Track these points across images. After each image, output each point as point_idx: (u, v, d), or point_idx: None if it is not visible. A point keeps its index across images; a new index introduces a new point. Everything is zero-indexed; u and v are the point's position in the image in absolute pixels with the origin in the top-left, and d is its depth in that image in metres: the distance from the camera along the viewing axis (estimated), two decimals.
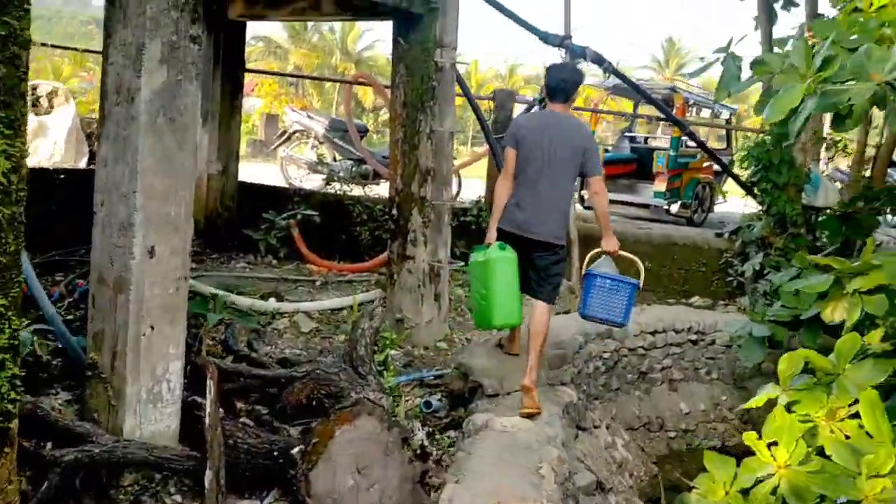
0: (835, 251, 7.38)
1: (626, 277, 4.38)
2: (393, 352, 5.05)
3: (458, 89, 5.81)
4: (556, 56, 6.71)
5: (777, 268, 6.88)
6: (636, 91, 8.15)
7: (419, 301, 5.38)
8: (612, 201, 10.74)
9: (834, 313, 4.25)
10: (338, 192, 7.54)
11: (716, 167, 11.45)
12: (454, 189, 9.02)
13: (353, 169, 8.93)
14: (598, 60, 6.85)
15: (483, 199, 7.42)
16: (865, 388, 3.65)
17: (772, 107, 3.51)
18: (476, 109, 6.35)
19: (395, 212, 5.43)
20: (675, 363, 5.96)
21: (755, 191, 7.45)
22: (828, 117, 8.29)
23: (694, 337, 6.12)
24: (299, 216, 7.00)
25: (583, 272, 4.45)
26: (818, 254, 7.38)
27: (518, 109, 7.69)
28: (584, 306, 4.38)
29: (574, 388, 4.46)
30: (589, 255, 4.52)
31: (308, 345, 5.17)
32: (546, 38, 6.63)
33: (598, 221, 4.38)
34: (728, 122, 12.12)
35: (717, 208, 11.02)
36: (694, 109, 10.98)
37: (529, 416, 3.89)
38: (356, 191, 7.93)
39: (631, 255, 4.46)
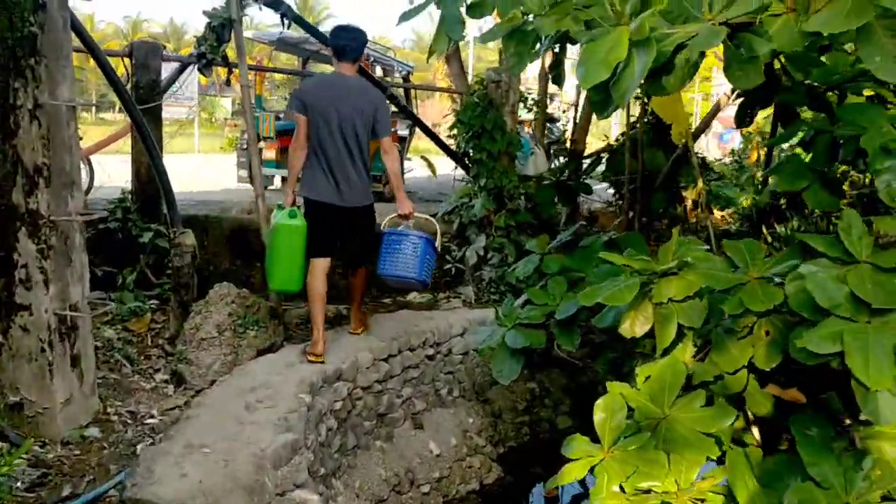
0: (543, 223, 7.04)
1: (417, 232, 4.71)
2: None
3: (74, 40, 4.00)
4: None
5: (500, 249, 6.26)
6: (319, 41, 6.84)
7: (45, 373, 3.59)
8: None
9: (634, 327, 3.55)
10: None
11: (401, 132, 10.77)
12: (84, 183, 6.94)
13: None
14: (274, 4, 5.44)
15: (130, 194, 5.61)
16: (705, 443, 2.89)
17: (587, 63, 2.55)
18: (105, 67, 4.53)
19: None
20: (416, 390, 4.98)
21: (466, 161, 6.75)
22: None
23: (431, 351, 5.20)
24: None
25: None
26: (539, 230, 6.99)
27: (168, 69, 5.95)
28: (380, 265, 4.69)
29: (311, 486, 3.17)
30: (387, 220, 4.91)
31: None
32: None
33: (390, 183, 4.77)
34: (406, 80, 11.48)
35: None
36: (377, 68, 10.08)
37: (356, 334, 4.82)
38: None
39: (426, 216, 5.03)
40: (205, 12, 5.21)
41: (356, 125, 4.41)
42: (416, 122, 6.93)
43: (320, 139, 4.40)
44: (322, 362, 4.27)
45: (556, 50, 3.74)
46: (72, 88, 3.67)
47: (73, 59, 3.68)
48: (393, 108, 11.34)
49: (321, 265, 4.55)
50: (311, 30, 6.00)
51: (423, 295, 6.54)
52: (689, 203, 6.35)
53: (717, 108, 6.55)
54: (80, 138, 7.17)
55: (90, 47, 4.39)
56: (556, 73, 3.79)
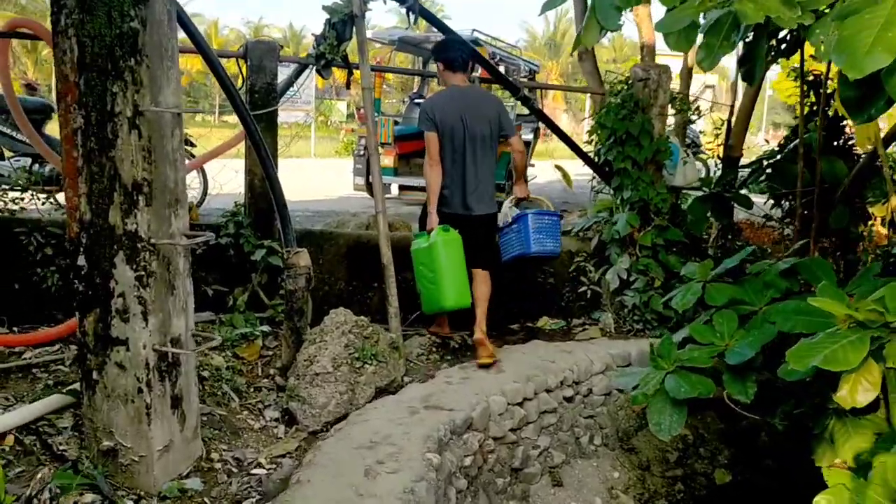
0: (693, 242, 6.24)
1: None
2: None
3: (182, 37, 3.61)
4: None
5: (645, 272, 5.53)
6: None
7: (143, 416, 3.19)
8: (408, 188, 9.10)
9: (855, 394, 2.80)
10: (1, 210, 4.94)
11: (525, 137, 10.17)
12: (198, 194, 6.72)
13: (32, 170, 6.28)
14: None
15: (243, 207, 5.25)
16: None
17: (852, 44, 1.88)
18: (216, 68, 4.14)
19: (82, 261, 3.16)
20: (553, 439, 4.35)
21: (606, 171, 6.05)
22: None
23: (570, 392, 4.56)
24: None
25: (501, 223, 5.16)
26: (688, 250, 6.20)
27: (284, 73, 5.57)
28: (527, 245, 5.05)
29: None
30: (505, 206, 5.23)
31: None
32: None
33: (516, 174, 5.26)
34: (531, 80, 10.84)
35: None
36: (500, 67, 9.51)
37: (486, 366, 4.52)
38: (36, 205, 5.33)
39: (540, 197, 5.49)
40: (325, 7, 4.78)
41: (485, 134, 4.75)
42: (551, 126, 6.28)
43: (455, 155, 4.71)
44: (495, 361, 4.57)
45: (749, 39, 3.05)
46: (178, 93, 3.27)
47: (178, 57, 3.27)
48: (522, 111, 10.81)
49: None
50: (442, 26, 5.46)
51: (555, 321, 5.90)
52: (877, 222, 5.41)
53: None
54: (194, 145, 7.01)
55: (200, 46, 4.00)
56: (748, 67, 3.08)
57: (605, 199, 6.02)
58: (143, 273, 3.11)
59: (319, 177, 12.46)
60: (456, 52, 4.78)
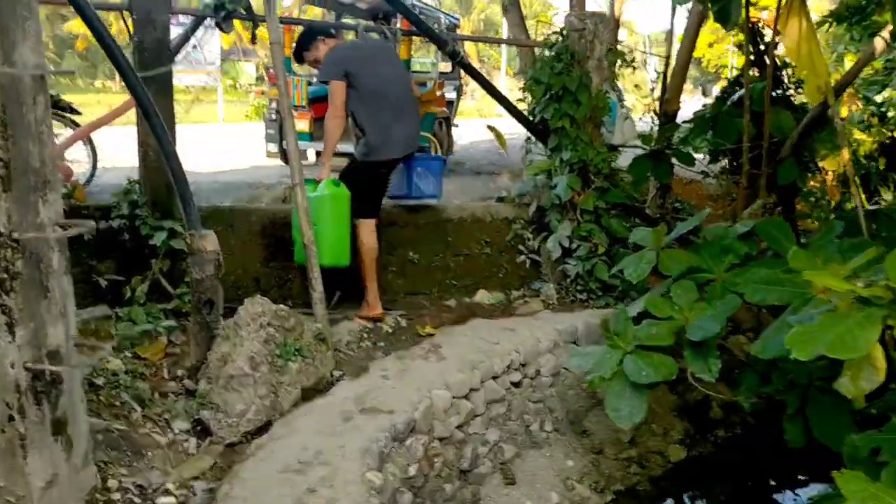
0: (632, 204, 5.94)
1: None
2: None
3: None
4: None
5: (587, 238, 5.20)
6: None
7: (15, 448, 2.63)
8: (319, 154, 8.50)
9: (858, 382, 2.47)
10: None
11: (448, 96, 9.69)
12: (88, 166, 5.99)
13: None
14: None
15: (138, 182, 4.62)
16: None
17: None
18: (91, 22, 3.45)
19: None
20: (503, 431, 3.99)
21: (541, 130, 5.66)
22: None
23: (517, 376, 4.20)
24: None
25: None
26: (634, 214, 5.89)
27: (177, 30, 4.92)
28: (411, 189, 5.20)
29: None
30: None
31: None
32: None
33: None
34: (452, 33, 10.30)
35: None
36: None
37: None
38: None
39: (426, 134, 5.83)
40: None
41: (402, 80, 4.94)
42: (483, 83, 5.83)
43: (380, 99, 4.66)
44: (381, 318, 4.69)
45: None
46: (39, 51, 2.66)
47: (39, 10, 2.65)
48: (445, 69, 10.28)
49: (374, 225, 4.79)
50: None
51: (493, 294, 5.51)
52: (829, 176, 5.19)
53: (870, 57, 5.34)
54: (78, 112, 6.25)
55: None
56: (723, 5, 2.70)
57: (541, 161, 5.63)
58: (4, 276, 2.53)
59: (228, 144, 11.68)
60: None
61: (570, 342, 4.76)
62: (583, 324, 4.87)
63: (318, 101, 8.03)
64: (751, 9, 5.46)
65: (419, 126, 5.07)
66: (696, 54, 8.35)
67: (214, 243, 3.90)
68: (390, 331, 4.62)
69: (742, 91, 5.38)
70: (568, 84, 5.29)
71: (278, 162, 8.73)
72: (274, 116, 8.55)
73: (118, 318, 4.33)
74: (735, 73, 10.06)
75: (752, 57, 5.59)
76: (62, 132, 5.77)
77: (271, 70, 9.34)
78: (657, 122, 6.22)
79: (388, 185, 5.00)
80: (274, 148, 8.65)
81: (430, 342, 4.33)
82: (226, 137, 13.01)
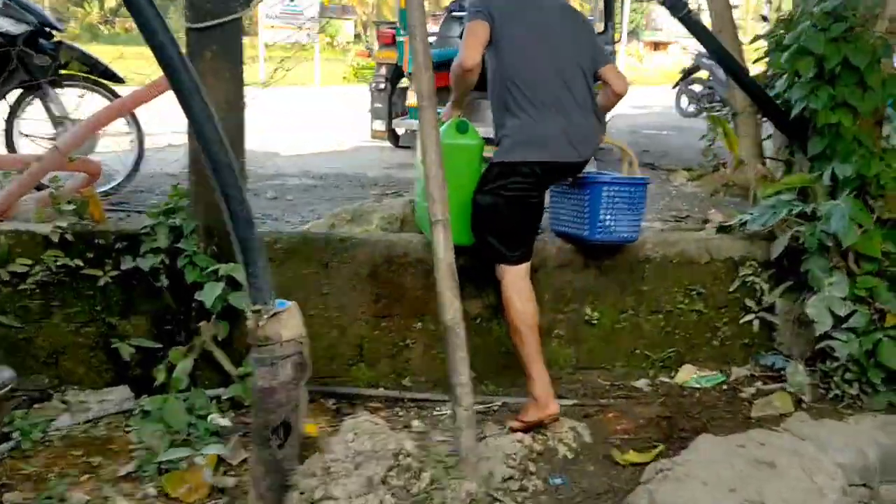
0: None
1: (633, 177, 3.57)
2: None
3: None
4: None
5: (867, 301, 3.36)
6: None
7: None
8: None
9: None
10: None
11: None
12: (130, 161, 4.41)
13: None
14: None
15: (184, 198, 3.03)
16: None
17: None
18: None
19: None
20: None
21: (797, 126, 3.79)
22: None
23: None
24: None
25: None
26: None
27: None
28: (591, 228, 3.39)
29: None
30: None
31: None
32: None
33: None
34: None
35: None
36: None
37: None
38: None
39: (620, 144, 3.72)
40: None
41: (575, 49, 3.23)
42: (721, 54, 3.98)
43: (530, 74, 3.11)
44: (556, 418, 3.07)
45: None
46: None
47: None
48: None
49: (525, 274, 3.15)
50: None
51: (705, 374, 3.72)
52: None
53: None
54: (121, 80, 4.71)
55: None
56: None
57: (794, 176, 3.76)
58: None
59: (325, 114, 10.13)
60: None
61: (858, 485, 2.95)
62: (876, 448, 3.06)
63: (440, 68, 6.34)
64: None
65: (596, 120, 3.29)
66: None
67: (296, 325, 2.27)
68: (569, 454, 2.91)
69: None
70: (852, 57, 3.41)
71: (386, 144, 7.11)
72: (382, 85, 6.91)
73: (144, 413, 2.78)
74: None
75: None
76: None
77: (382, 28, 7.69)
78: None
79: (542, 208, 3.29)
80: (381, 126, 7.02)
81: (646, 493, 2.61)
82: (323, 104, 11.50)
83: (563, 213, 3.56)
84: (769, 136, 4.69)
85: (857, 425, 3.28)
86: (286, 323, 2.24)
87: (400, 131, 7.16)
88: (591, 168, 3.71)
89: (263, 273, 2.21)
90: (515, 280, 3.08)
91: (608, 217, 3.34)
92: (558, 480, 2.78)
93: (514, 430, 3.01)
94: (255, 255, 2.19)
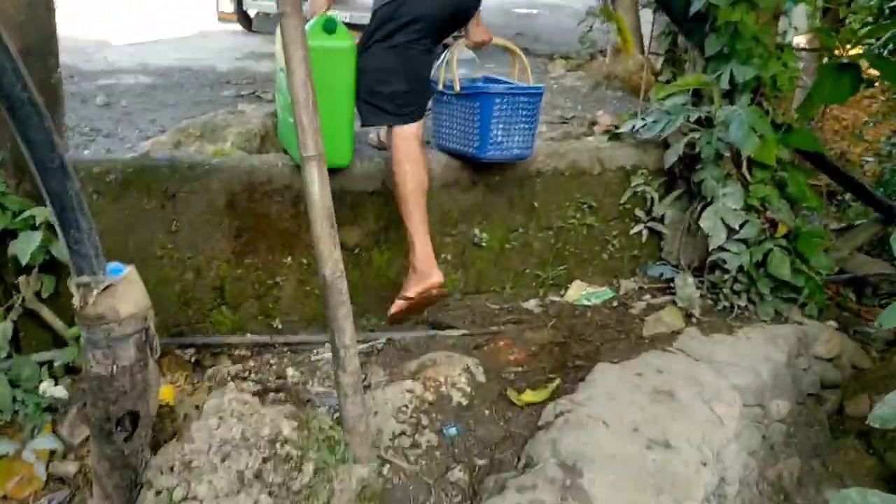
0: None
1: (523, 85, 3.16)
2: None
3: None
4: None
5: (759, 210, 3.31)
6: None
7: None
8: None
9: None
10: None
11: None
12: None
13: None
14: None
15: None
16: None
17: None
18: None
19: None
20: None
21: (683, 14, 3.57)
22: None
23: None
24: None
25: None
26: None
27: None
28: (482, 145, 3.01)
29: None
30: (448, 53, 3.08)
31: None
32: None
33: None
34: None
35: None
36: None
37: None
38: None
39: (507, 43, 3.24)
40: None
41: None
42: None
43: None
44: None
45: None
46: None
47: None
48: None
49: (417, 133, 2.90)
50: None
51: (595, 289, 3.57)
52: None
53: None
54: None
55: None
56: None
57: (688, 77, 3.52)
58: None
59: None
60: None
61: (754, 405, 2.92)
62: (768, 365, 3.03)
63: None
64: None
65: None
66: None
67: (138, 296, 1.85)
68: (464, 401, 2.68)
69: None
70: None
71: (236, 28, 6.35)
72: None
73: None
74: None
75: None
76: None
77: None
78: None
79: (430, 67, 3.03)
80: (229, 7, 6.25)
81: (553, 453, 2.41)
82: None
83: (447, 127, 3.20)
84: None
85: (748, 340, 3.24)
86: (123, 296, 1.81)
87: (252, 13, 6.41)
88: (470, 66, 3.35)
89: (88, 236, 1.75)
90: (407, 141, 2.83)
91: (500, 132, 3.01)
92: (453, 430, 2.56)
93: (399, 311, 2.85)
94: (76, 215, 1.72)
